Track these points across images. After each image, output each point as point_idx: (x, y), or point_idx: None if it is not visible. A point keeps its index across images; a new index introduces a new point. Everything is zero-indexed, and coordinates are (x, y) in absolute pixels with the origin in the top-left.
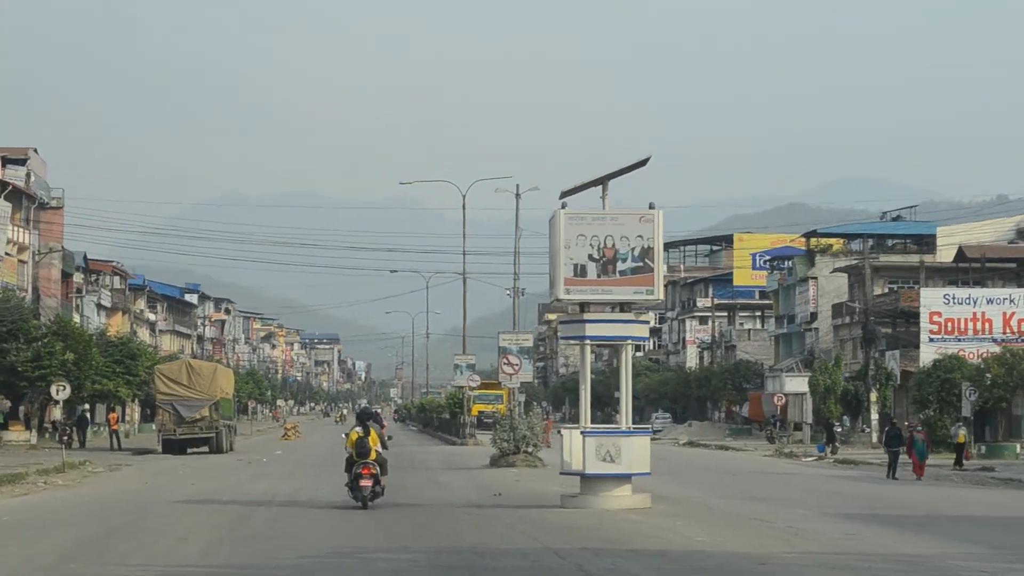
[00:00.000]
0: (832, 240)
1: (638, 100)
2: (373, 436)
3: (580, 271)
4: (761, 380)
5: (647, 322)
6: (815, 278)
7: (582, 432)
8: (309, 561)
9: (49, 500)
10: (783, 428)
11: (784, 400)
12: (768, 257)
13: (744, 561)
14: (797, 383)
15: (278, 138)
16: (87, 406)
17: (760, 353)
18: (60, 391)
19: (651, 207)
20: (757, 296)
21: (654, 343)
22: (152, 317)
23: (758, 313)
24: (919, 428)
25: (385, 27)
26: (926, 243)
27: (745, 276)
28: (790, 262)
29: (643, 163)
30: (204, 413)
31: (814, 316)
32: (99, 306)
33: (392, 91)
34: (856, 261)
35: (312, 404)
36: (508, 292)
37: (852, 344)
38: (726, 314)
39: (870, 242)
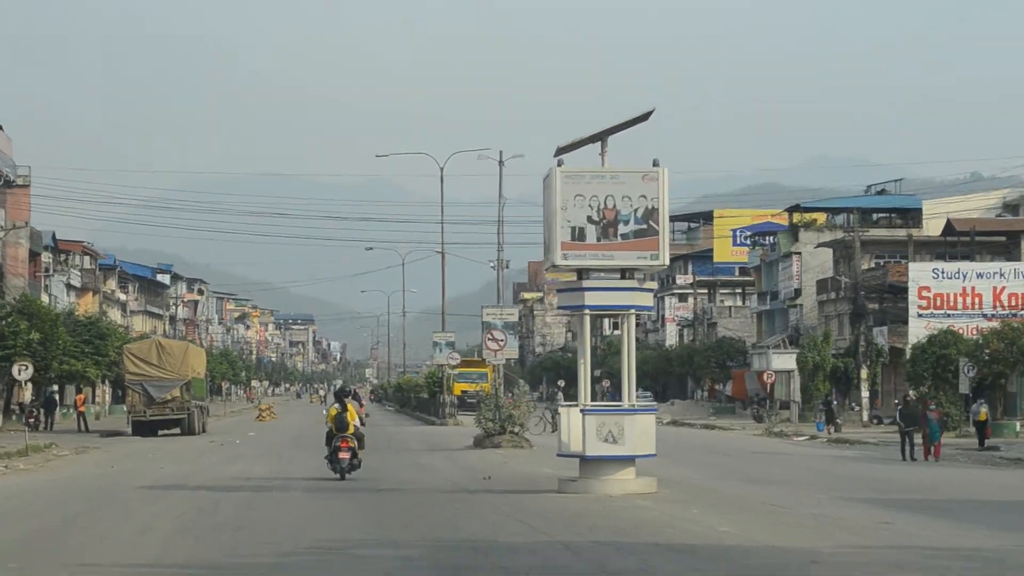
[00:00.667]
0: (816, 215)
1: (609, 74)
2: (351, 411)
3: (578, 234)
4: (744, 358)
5: (651, 290)
6: (799, 253)
7: (582, 410)
8: (288, 560)
9: (6, 486)
10: (769, 407)
11: (773, 378)
12: (749, 233)
13: (790, 557)
14: (784, 360)
15: (258, 118)
16: (55, 387)
17: (742, 330)
18: (22, 371)
19: (655, 164)
20: (737, 273)
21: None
22: (123, 297)
23: (738, 290)
24: (932, 407)
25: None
26: (911, 217)
27: (725, 252)
28: (772, 238)
29: (645, 117)
30: (175, 394)
31: (798, 292)
32: (68, 286)
33: (374, 73)
34: (842, 236)
35: (287, 385)
36: (492, 264)
37: (838, 320)
38: (706, 291)
39: (854, 215)
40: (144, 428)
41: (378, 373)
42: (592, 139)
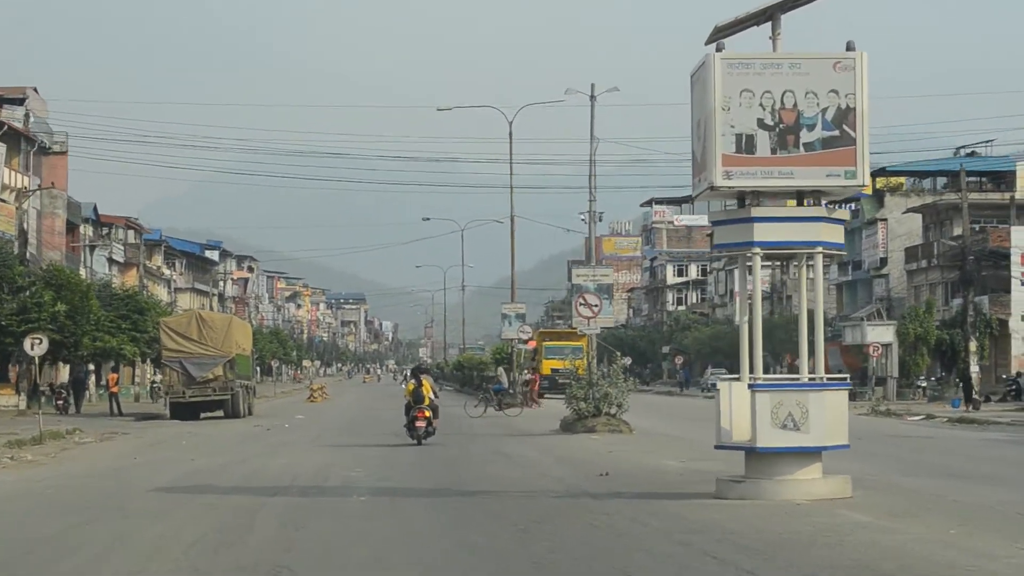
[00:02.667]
0: (901, 179)
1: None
2: (426, 386)
3: (746, 144)
4: (829, 331)
5: (843, 220)
6: (884, 220)
7: (751, 385)
8: None
9: None
10: (872, 383)
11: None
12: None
13: None
14: (880, 333)
15: (303, 97)
16: (91, 366)
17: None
18: (35, 345)
19: (848, 48)
20: None
21: (696, 296)
22: (169, 274)
23: (811, 262)
24: None
25: None
26: (1005, 180)
27: None
28: (853, 204)
29: None
30: (217, 372)
31: (884, 261)
32: (111, 260)
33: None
34: (933, 200)
35: (339, 365)
36: (582, 216)
37: (929, 289)
38: (779, 263)
39: (943, 180)
40: (183, 411)
41: (432, 352)
42: (757, 17)
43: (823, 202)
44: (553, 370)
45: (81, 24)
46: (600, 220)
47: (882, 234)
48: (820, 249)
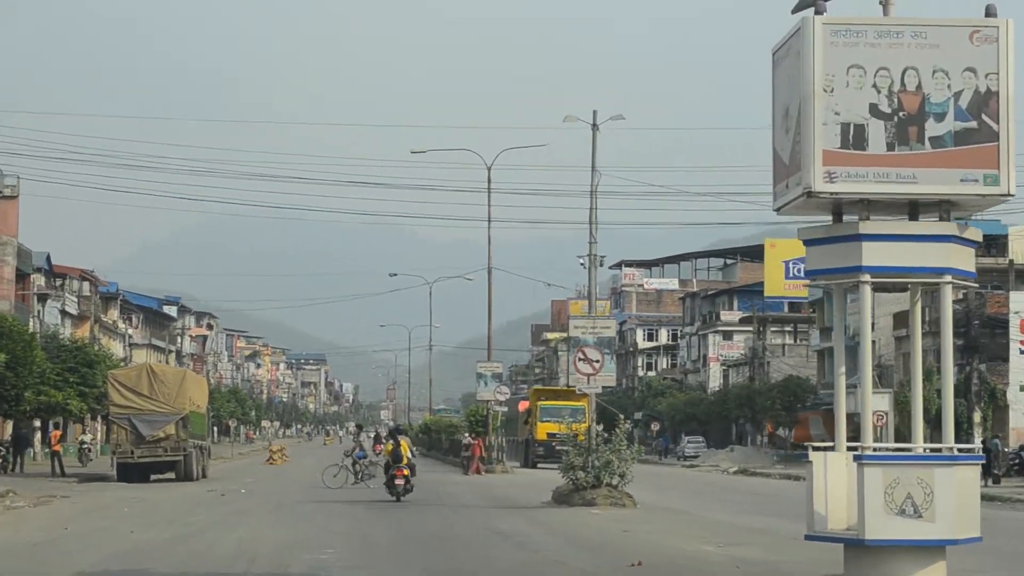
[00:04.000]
0: None
1: None
2: (404, 445)
3: (854, 137)
4: (811, 399)
5: (976, 242)
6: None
7: (858, 457)
8: None
9: None
10: None
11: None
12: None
13: None
14: (876, 401)
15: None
16: (37, 422)
17: (797, 370)
18: None
19: (988, 12)
20: (786, 308)
21: (667, 361)
22: (126, 328)
23: (788, 328)
24: None
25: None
26: (997, 244)
27: (777, 286)
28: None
29: None
30: (169, 431)
31: (871, 327)
32: (64, 313)
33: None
34: None
35: (299, 426)
36: (582, 261)
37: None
38: (754, 329)
39: None
40: (132, 472)
41: (395, 415)
42: None
43: (950, 216)
44: (550, 435)
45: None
46: (601, 264)
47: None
48: (949, 278)
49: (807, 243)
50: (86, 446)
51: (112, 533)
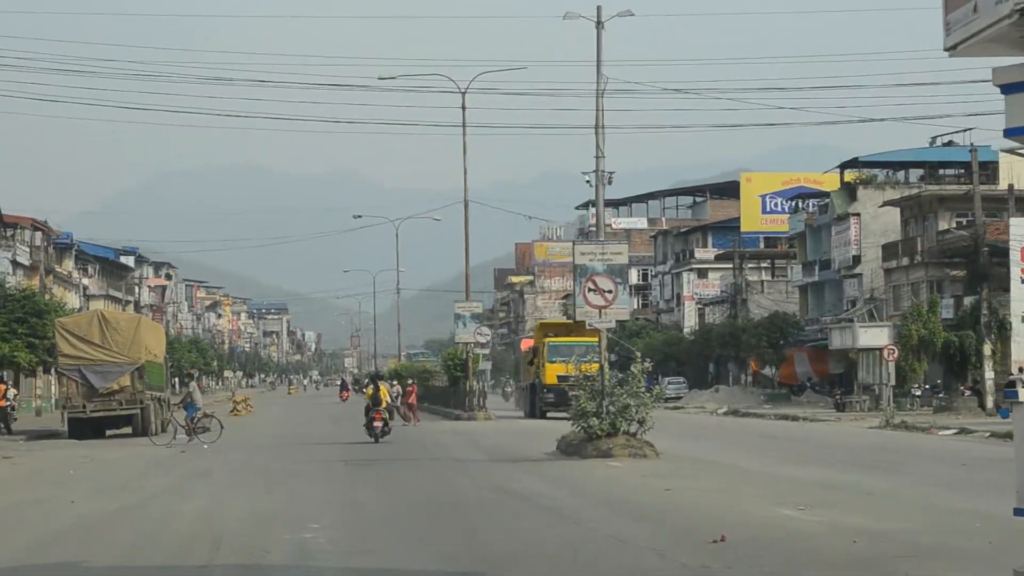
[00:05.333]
0: (874, 170)
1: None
2: (383, 391)
3: None
4: (797, 335)
5: None
6: (857, 215)
7: None
8: None
9: None
10: (846, 392)
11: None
12: (785, 198)
13: None
14: (874, 336)
15: (223, 108)
16: None
17: (777, 307)
18: None
19: None
20: (762, 244)
21: (637, 301)
22: (81, 279)
23: (764, 264)
24: None
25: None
26: (987, 171)
27: (754, 221)
28: (815, 201)
29: None
30: (124, 382)
31: (856, 260)
32: (15, 263)
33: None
34: (916, 191)
35: (262, 376)
36: (587, 177)
37: (909, 289)
38: (731, 265)
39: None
40: (84, 428)
41: (359, 363)
42: None
43: None
44: (560, 378)
45: None
46: (610, 182)
47: (855, 230)
48: None
49: (1007, 89)
50: (9, 403)
51: (49, 504)
